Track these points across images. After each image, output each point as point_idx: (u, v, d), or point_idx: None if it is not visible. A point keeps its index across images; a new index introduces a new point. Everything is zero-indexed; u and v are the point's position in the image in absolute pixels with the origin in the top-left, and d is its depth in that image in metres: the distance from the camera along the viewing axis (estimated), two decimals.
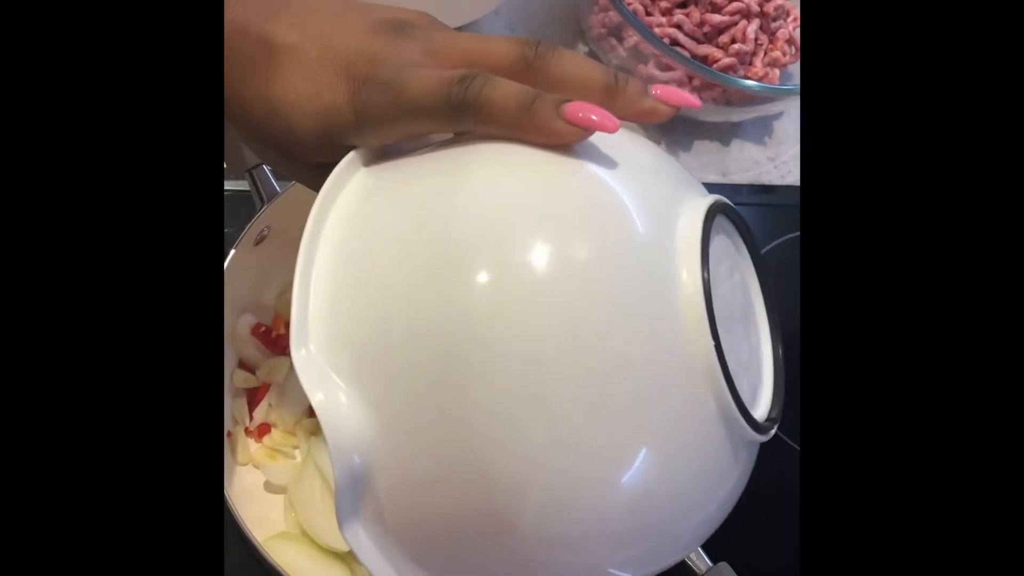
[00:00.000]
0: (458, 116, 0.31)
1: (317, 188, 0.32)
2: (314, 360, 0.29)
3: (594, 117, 0.30)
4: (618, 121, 0.31)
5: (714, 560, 0.48)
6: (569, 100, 0.30)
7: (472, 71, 0.31)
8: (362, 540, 0.30)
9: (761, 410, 0.32)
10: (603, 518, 0.29)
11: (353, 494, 0.29)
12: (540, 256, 0.28)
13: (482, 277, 0.28)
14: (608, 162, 0.31)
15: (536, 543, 0.29)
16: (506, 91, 0.31)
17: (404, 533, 0.30)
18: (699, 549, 0.48)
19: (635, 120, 0.32)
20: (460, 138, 0.33)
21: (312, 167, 0.34)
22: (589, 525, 0.29)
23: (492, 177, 0.30)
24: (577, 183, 0.30)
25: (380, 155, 0.33)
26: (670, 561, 0.34)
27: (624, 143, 0.32)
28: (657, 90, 0.32)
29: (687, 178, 0.33)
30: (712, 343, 0.28)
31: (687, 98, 0.32)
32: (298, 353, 0.29)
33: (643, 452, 0.28)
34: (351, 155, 0.32)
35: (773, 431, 0.32)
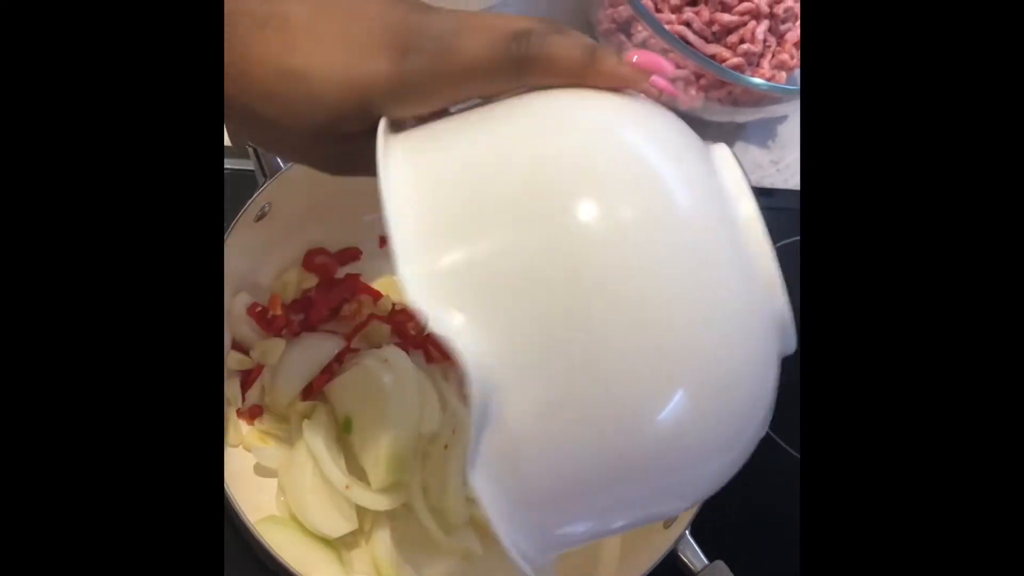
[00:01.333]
0: (521, 71, 0.32)
1: (309, 161, 0.33)
2: (425, 280, 0.28)
3: (650, 61, 0.32)
4: (671, 66, 0.33)
5: (710, 558, 0.48)
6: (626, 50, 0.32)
7: (524, 28, 0.32)
8: (486, 486, 0.29)
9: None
10: (719, 425, 0.30)
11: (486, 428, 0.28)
12: (634, 192, 0.29)
13: (588, 211, 0.29)
14: (655, 113, 0.32)
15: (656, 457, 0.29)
16: (567, 42, 0.32)
17: (530, 468, 0.29)
18: (695, 547, 0.48)
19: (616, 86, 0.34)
20: (504, 97, 0.33)
21: (310, 139, 0.34)
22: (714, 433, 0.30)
23: (579, 117, 0.32)
24: (647, 129, 0.32)
25: (406, 125, 0.34)
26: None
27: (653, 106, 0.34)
28: (633, 56, 0.33)
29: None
30: (773, 260, 0.31)
31: (661, 63, 0.33)
32: (408, 269, 0.28)
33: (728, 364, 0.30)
34: (384, 121, 0.32)
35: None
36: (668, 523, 0.48)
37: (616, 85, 0.32)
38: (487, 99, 0.34)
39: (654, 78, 0.33)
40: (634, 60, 0.32)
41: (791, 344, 0.32)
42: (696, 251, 0.29)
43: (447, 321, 0.28)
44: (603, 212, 0.29)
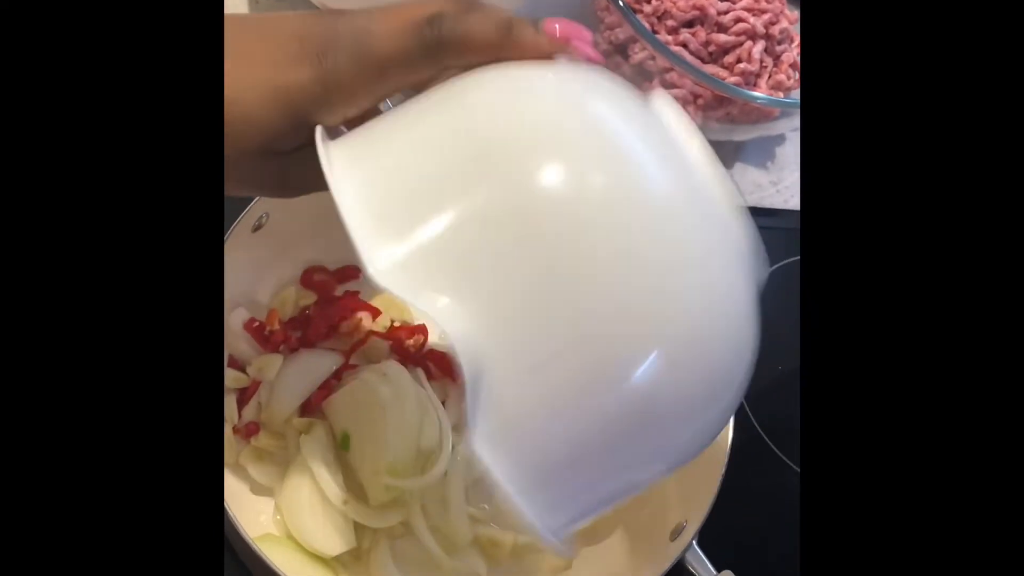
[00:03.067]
0: (438, 54, 0.33)
1: (261, 188, 0.35)
2: (398, 269, 0.28)
3: (569, 29, 0.33)
4: (590, 33, 0.34)
5: (718, 568, 0.47)
6: (541, 19, 0.33)
7: (435, 12, 0.32)
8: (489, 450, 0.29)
9: None
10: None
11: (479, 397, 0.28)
12: (590, 152, 0.29)
13: (549, 173, 0.29)
14: (590, 73, 0.33)
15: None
16: (480, 19, 0.32)
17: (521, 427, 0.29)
18: (703, 558, 0.46)
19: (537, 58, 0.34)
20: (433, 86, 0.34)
21: (254, 163, 0.35)
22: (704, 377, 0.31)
23: (511, 87, 0.32)
24: (587, 88, 0.32)
25: (341, 131, 0.34)
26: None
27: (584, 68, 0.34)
28: (554, 24, 0.34)
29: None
30: (730, 192, 0.31)
31: (580, 29, 0.34)
32: (376, 263, 0.28)
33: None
34: (320, 129, 0.33)
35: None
36: (674, 535, 0.47)
37: (535, 56, 0.32)
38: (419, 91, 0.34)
39: (576, 44, 0.33)
40: (554, 29, 0.33)
41: (763, 271, 0.32)
42: (657, 203, 0.30)
43: (431, 304, 0.28)
44: (564, 174, 0.29)
